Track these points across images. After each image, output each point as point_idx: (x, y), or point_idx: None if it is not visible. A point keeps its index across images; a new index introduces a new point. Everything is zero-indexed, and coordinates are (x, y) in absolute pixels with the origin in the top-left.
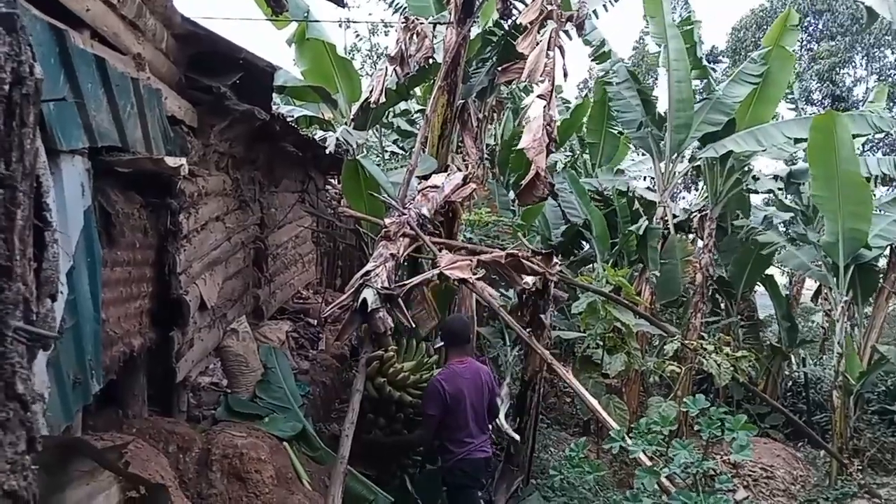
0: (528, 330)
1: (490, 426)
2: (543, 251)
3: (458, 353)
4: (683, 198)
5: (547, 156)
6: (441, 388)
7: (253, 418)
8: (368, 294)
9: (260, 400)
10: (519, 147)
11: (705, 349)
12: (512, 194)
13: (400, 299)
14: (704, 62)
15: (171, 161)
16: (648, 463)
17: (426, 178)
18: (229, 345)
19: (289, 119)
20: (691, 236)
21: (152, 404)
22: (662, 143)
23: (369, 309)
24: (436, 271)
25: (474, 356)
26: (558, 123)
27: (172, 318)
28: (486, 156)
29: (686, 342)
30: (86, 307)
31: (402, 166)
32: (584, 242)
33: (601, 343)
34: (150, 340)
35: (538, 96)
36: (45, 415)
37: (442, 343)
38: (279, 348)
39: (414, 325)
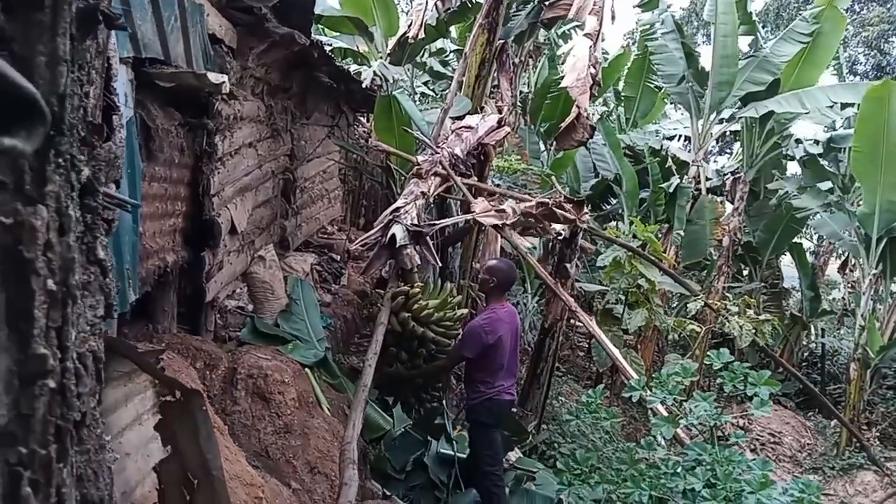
0: (553, 278)
1: (517, 370)
2: (575, 199)
3: (500, 297)
4: (716, 162)
5: (590, 97)
6: (484, 334)
7: (277, 343)
8: (398, 230)
9: (282, 328)
10: (562, 86)
11: (728, 310)
12: (542, 145)
13: (428, 237)
14: (754, 17)
15: (213, 77)
16: (665, 413)
17: (460, 118)
18: (256, 271)
19: (326, 48)
20: (721, 199)
21: (181, 322)
22: (702, 99)
23: (397, 245)
24: (469, 216)
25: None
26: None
27: (204, 238)
28: (518, 103)
29: (710, 302)
30: (125, 217)
31: (432, 108)
32: (612, 198)
33: (623, 297)
34: (182, 259)
35: (584, 34)
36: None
37: (490, 285)
38: (305, 280)
39: (441, 264)
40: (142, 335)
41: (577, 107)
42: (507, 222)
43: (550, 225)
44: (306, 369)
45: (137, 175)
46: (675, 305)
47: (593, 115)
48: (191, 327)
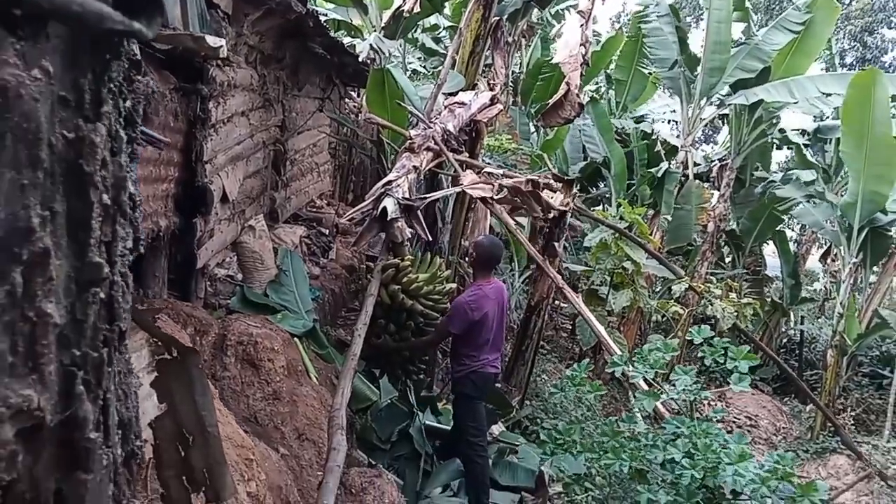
0: (541, 256)
1: (502, 344)
2: (565, 178)
3: (487, 273)
4: (702, 151)
5: (581, 75)
6: (469, 311)
7: (266, 312)
8: (389, 203)
9: (271, 298)
10: (554, 61)
11: (711, 293)
12: (532, 126)
13: (419, 211)
14: (747, 4)
15: (211, 41)
16: (647, 388)
17: (453, 94)
18: (246, 241)
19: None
20: (708, 185)
21: (171, 288)
22: (693, 85)
23: (388, 218)
24: (458, 188)
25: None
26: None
27: (196, 205)
28: (510, 83)
29: (693, 284)
30: None
31: (424, 85)
32: (600, 181)
33: (609, 278)
34: (174, 224)
35: (578, 12)
36: None
37: (474, 260)
38: (294, 252)
39: (432, 239)
40: (133, 300)
41: (567, 83)
42: (496, 196)
43: (539, 204)
44: (295, 339)
45: None
46: (658, 290)
47: (584, 95)
48: (181, 294)
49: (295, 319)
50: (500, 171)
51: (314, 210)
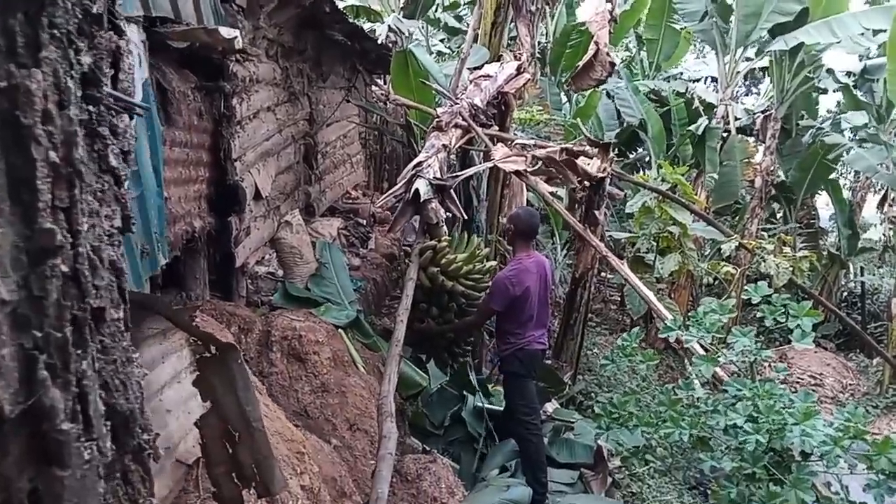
0: (581, 225)
1: (548, 320)
2: (601, 142)
3: (525, 246)
4: (743, 104)
5: (609, 32)
6: (510, 286)
7: (308, 306)
8: (421, 185)
9: (312, 292)
10: (579, 20)
11: (764, 249)
12: (563, 96)
13: (452, 190)
14: None
15: (225, 32)
16: (703, 352)
17: (478, 69)
18: (283, 236)
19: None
20: (752, 140)
21: (213, 289)
22: (727, 35)
23: (421, 200)
24: (490, 163)
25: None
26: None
27: (229, 204)
28: (537, 53)
29: (744, 242)
30: (149, 180)
31: (449, 63)
32: (637, 146)
33: (654, 244)
34: (209, 225)
35: None
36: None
37: (511, 233)
38: (332, 244)
39: (468, 217)
40: (175, 303)
41: (596, 43)
42: (529, 168)
43: (576, 172)
44: (339, 330)
45: (157, 138)
46: (707, 252)
47: (615, 56)
48: (223, 293)
49: (338, 311)
50: (532, 142)
51: (350, 201)
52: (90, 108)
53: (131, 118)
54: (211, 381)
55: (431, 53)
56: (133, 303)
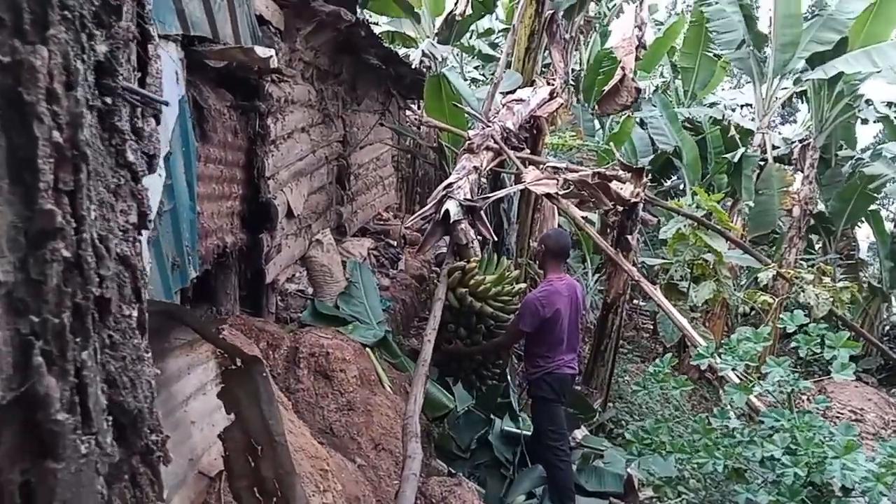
0: (614, 250)
1: (579, 345)
2: (634, 167)
3: (556, 268)
4: (780, 133)
5: (637, 58)
6: (540, 307)
7: (337, 324)
8: (451, 205)
9: (341, 310)
10: (606, 47)
11: (803, 278)
12: (597, 122)
13: (482, 212)
14: None
15: (261, 51)
16: (737, 381)
17: (511, 93)
18: (314, 255)
19: (372, 27)
20: (790, 168)
21: (243, 305)
22: (765, 64)
23: (451, 220)
24: (521, 186)
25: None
26: (650, 41)
27: (261, 221)
28: (570, 80)
29: (782, 271)
30: (182, 194)
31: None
32: (672, 173)
33: (689, 271)
34: (241, 241)
35: None
36: (147, 288)
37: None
38: (363, 263)
39: (498, 239)
40: (205, 316)
41: (622, 68)
42: (560, 191)
43: (609, 196)
44: (367, 349)
45: (192, 154)
46: (743, 281)
47: (649, 86)
48: (253, 309)
49: (366, 330)
50: (564, 166)
51: (381, 223)
52: (106, 98)
53: (157, 122)
54: (235, 393)
55: (466, 80)
56: (161, 313)
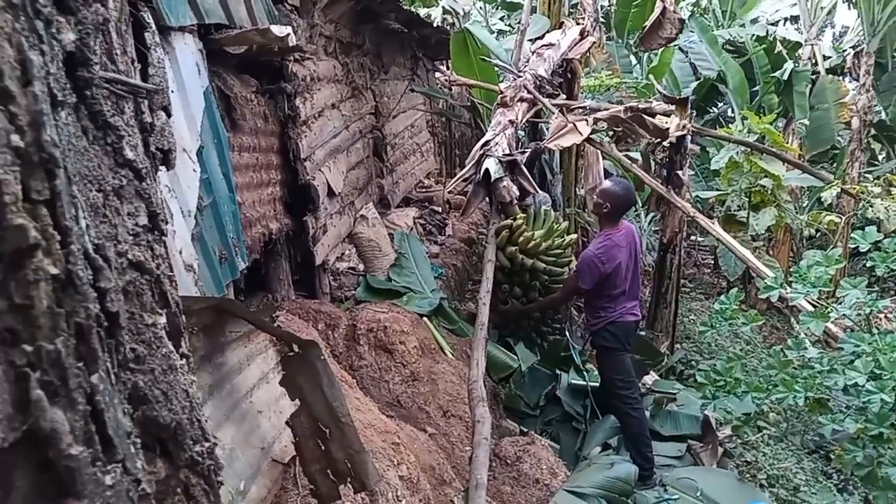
0: (665, 188)
1: (639, 290)
2: (678, 98)
3: (615, 222)
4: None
5: None
6: (600, 264)
7: (391, 297)
8: (490, 164)
9: (394, 283)
10: None
11: (870, 192)
12: (633, 58)
13: (523, 165)
14: None
15: (277, 30)
16: (811, 308)
17: (539, 39)
18: (361, 231)
19: None
20: (844, 79)
21: (297, 288)
22: None
23: (492, 179)
24: (543, 144)
25: None
26: None
27: (304, 204)
28: (601, 17)
29: (846, 187)
30: (220, 186)
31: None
32: (717, 100)
33: (746, 199)
34: (286, 226)
35: None
36: (197, 285)
37: (604, 210)
38: (409, 233)
39: (537, 190)
40: (262, 305)
41: (662, 0)
42: (585, 134)
43: (644, 128)
44: (424, 318)
45: (224, 145)
46: (805, 203)
47: (682, 9)
48: (307, 292)
49: (420, 299)
50: (592, 104)
51: (423, 190)
52: (84, 91)
53: (168, 115)
54: (296, 379)
55: (493, 32)
56: (212, 308)
